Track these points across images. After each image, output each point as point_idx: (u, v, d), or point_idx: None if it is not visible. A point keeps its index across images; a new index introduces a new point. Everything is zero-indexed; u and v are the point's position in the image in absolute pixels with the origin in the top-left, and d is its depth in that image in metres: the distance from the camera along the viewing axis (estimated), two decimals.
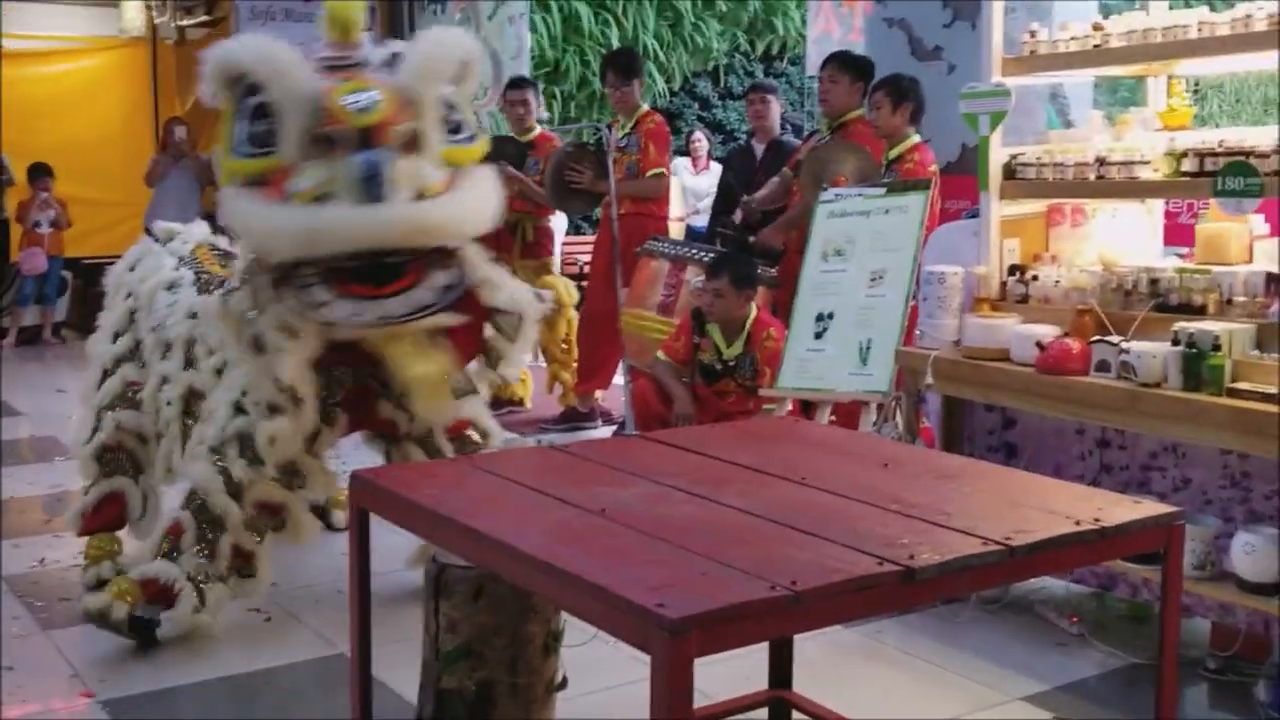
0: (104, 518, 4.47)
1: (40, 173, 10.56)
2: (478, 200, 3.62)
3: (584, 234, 12.68)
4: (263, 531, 3.90)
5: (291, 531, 3.95)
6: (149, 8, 11.82)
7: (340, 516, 5.13)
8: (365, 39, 3.76)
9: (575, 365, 7.32)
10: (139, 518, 4.51)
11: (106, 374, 4.50)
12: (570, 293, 7.43)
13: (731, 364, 5.58)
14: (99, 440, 4.44)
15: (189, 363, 4.11)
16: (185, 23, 11.79)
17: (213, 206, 10.77)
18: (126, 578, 3.87)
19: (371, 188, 3.30)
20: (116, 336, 4.53)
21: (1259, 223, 3.92)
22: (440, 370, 3.65)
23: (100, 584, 4.27)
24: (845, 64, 6.14)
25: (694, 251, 6.39)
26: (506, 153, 7.31)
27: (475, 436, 4.13)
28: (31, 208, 10.54)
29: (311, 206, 3.34)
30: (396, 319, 3.49)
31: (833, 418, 4.95)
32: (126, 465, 4.46)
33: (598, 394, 7.39)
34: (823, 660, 3.76)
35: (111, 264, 5.00)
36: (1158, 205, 4.51)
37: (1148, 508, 2.48)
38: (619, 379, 7.09)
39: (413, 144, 3.53)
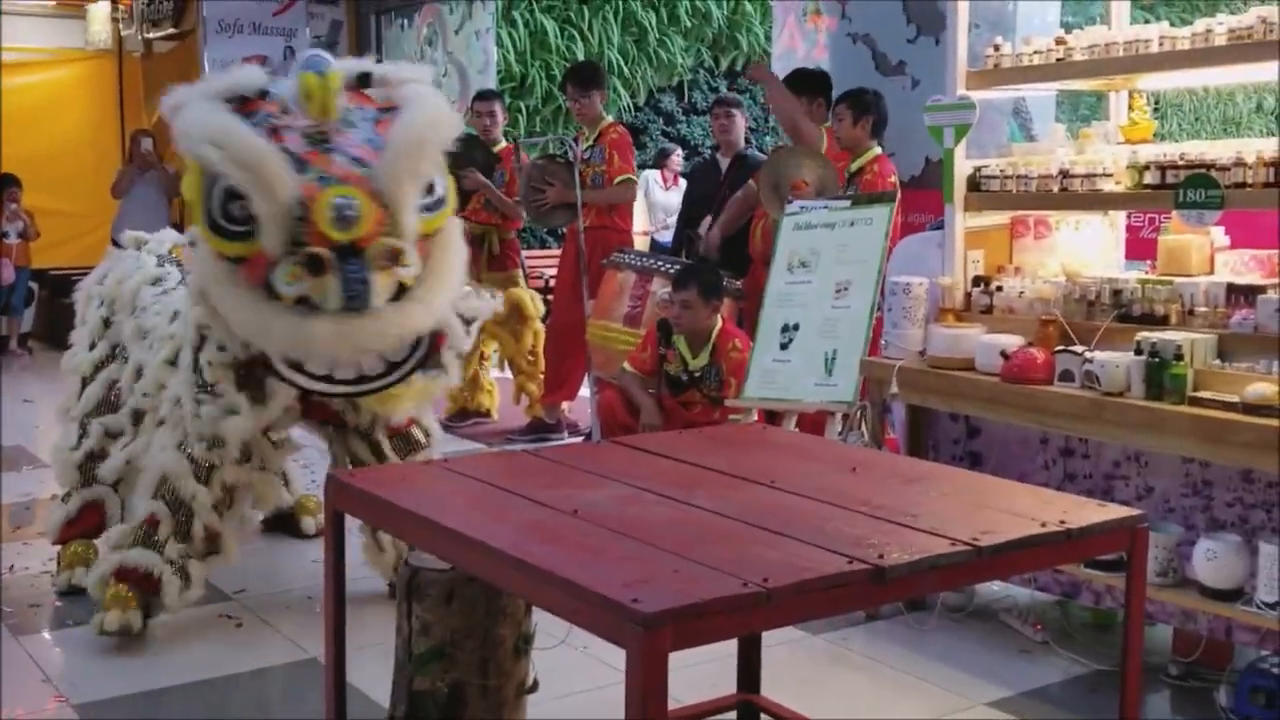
0: (83, 525, 4.46)
1: (8, 183, 10.50)
2: (450, 272, 3.67)
3: (549, 247, 12.70)
4: (224, 511, 4.02)
5: (261, 500, 4.25)
6: (115, 20, 11.78)
7: (310, 524, 5.13)
8: (342, 98, 3.58)
9: (542, 377, 7.33)
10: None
11: (86, 382, 4.50)
12: (536, 305, 7.45)
13: (697, 375, 5.61)
14: (86, 448, 4.43)
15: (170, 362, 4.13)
16: (152, 35, 11.73)
17: (180, 217, 10.78)
18: (114, 586, 3.90)
19: (356, 302, 3.32)
20: (93, 346, 4.52)
21: (1220, 234, 3.98)
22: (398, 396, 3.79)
23: (72, 589, 4.31)
24: (797, 84, 6.19)
25: (660, 263, 6.43)
26: (475, 159, 7.29)
27: (418, 435, 4.27)
28: None
29: (296, 313, 3.35)
30: (372, 387, 3.62)
31: (797, 428, 4.99)
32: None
33: (564, 405, 7.40)
34: (790, 666, 3.78)
35: (80, 275, 4.99)
36: (1120, 218, 4.58)
37: (1112, 510, 2.52)
38: (585, 390, 7.10)
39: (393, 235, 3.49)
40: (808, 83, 6.20)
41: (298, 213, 3.29)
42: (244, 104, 3.50)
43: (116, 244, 10.71)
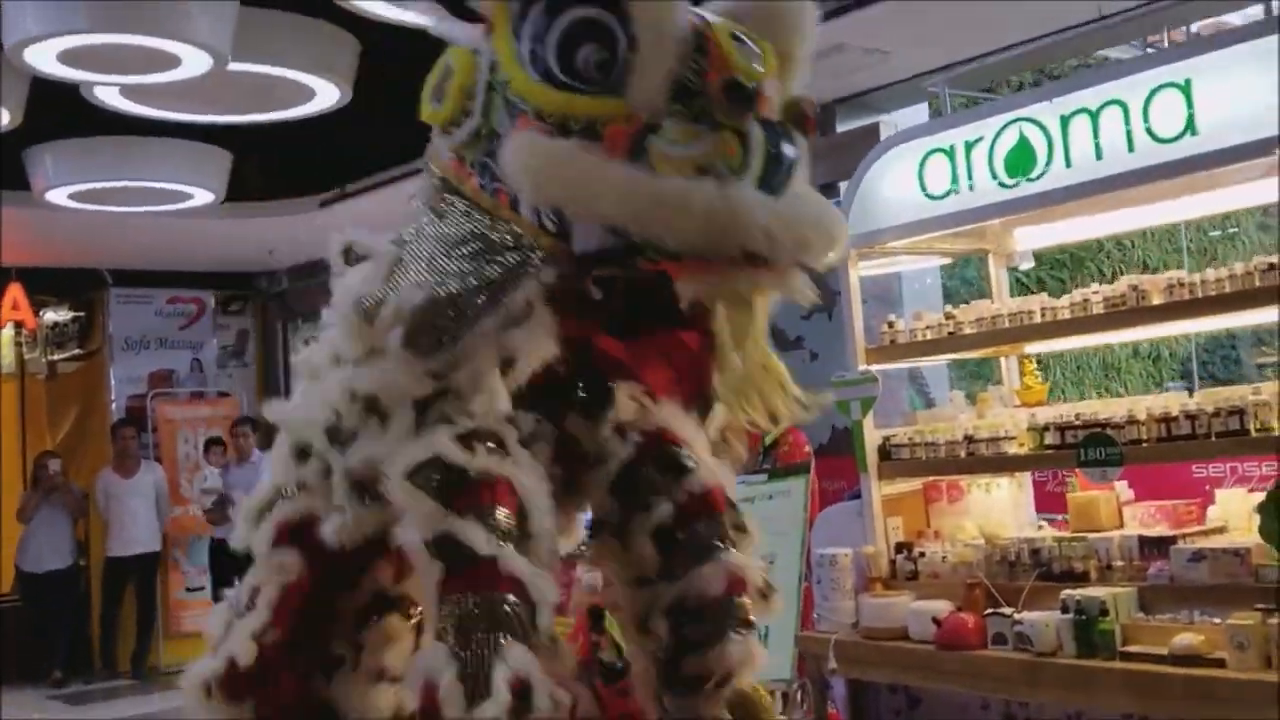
0: None
1: None
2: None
3: None
4: None
5: None
6: (19, 344, 11.79)
7: None
8: None
9: None
10: None
11: None
12: None
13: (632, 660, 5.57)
14: None
15: None
16: (57, 357, 11.77)
17: (85, 537, 10.49)
18: None
19: (776, 175, 2.24)
20: None
21: (1124, 488, 4.16)
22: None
23: None
24: None
25: (582, 549, 6.45)
26: None
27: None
28: None
29: (697, 181, 2.20)
30: None
31: None
32: None
33: None
34: None
35: None
36: (1026, 476, 4.75)
37: None
38: None
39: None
40: None
41: (693, 47, 2.27)
42: None
43: (20, 571, 10.40)
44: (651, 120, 2.23)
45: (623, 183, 2.20)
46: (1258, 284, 3.54)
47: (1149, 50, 6.37)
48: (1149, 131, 3.70)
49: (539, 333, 2.29)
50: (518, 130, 2.27)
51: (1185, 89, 3.60)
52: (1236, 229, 10.13)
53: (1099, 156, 3.83)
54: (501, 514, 2.22)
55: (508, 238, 2.33)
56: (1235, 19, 6.08)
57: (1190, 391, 4.61)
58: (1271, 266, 3.52)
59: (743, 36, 2.29)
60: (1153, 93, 3.67)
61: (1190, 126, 3.60)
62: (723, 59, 2.25)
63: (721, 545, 2.45)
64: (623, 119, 2.24)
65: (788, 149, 2.24)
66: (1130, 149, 3.75)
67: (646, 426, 2.47)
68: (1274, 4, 3.90)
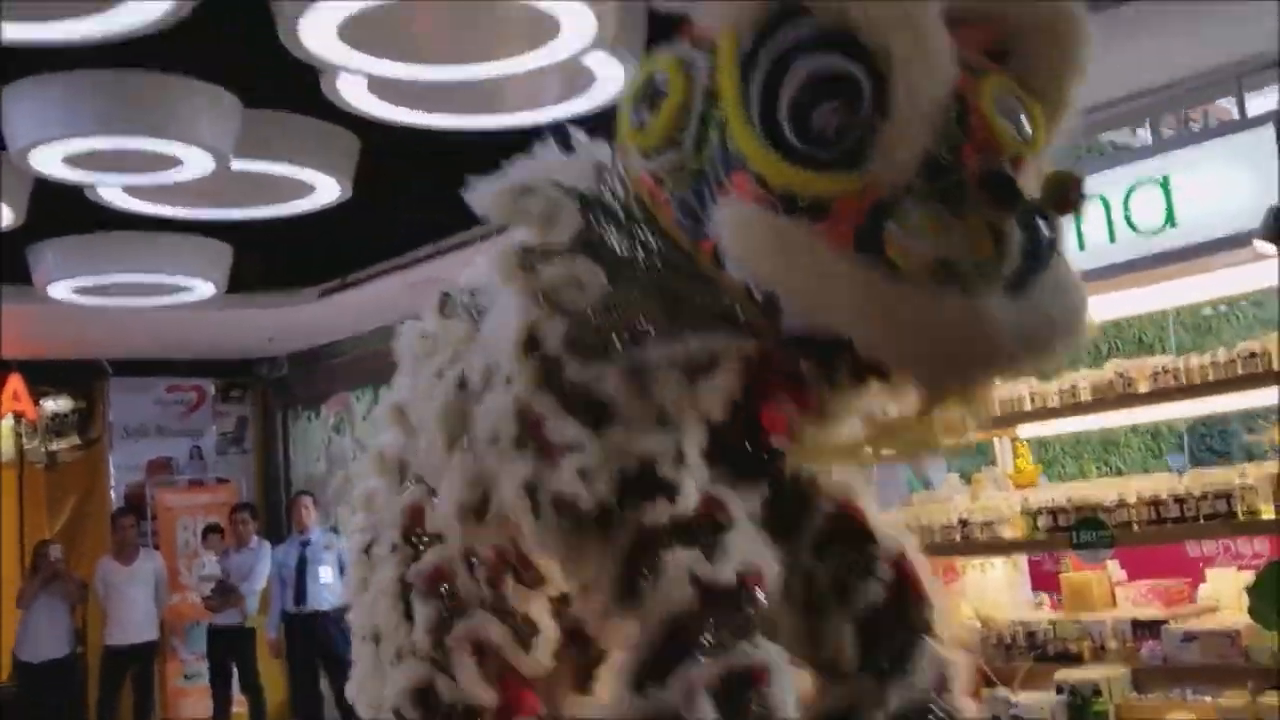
0: None
1: None
2: None
3: None
4: None
5: None
6: (18, 434, 11.81)
7: None
8: None
9: None
10: None
11: None
12: None
13: None
14: None
15: None
16: (56, 446, 11.79)
17: (83, 624, 10.45)
18: None
19: (1030, 275, 1.83)
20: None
21: (1116, 568, 4.22)
22: None
23: None
24: None
25: None
26: None
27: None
28: None
29: (939, 295, 1.78)
30: None
31: None
32: None
33: None
34: None
35: None
36: (1021, 555, 4.81)
37: None
38: None
39: None
40: None
41: (953, 113, 1.82)
42: None
43: (18, 661, 10.37)
44: (890, 196, 1.82)
45: (856, 288, 1.81)
46: (1240, 371, 3.65)
47: (1137, 133, 6.51)
48: (1130, 224, 3.82)
49: (723, 389, 2.00)
50: (736, 199, 1.92)
51: (1164, 185, 3.73)
52: (1227, 308, 10.24)
53: (1082, 248, 3.94)
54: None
55: (709, 299, 2.03)
56: (1228, 104, 6.20)
57: (1181, 472, 4.68)
58: (1253, 354, 3.62)
59: (1013, 101, 1.89)
60: (1132, 188, 3.80)
61: (1170, 219, 3.72)
62: (986, 133, 1.84)
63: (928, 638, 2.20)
64: (856, 194, 1.83)
65: (1046, 241, 1.82)
66: (1112, 240, 3.87)
67: (835, 494, 2.27)
68: (1250, 100, 4.04)
